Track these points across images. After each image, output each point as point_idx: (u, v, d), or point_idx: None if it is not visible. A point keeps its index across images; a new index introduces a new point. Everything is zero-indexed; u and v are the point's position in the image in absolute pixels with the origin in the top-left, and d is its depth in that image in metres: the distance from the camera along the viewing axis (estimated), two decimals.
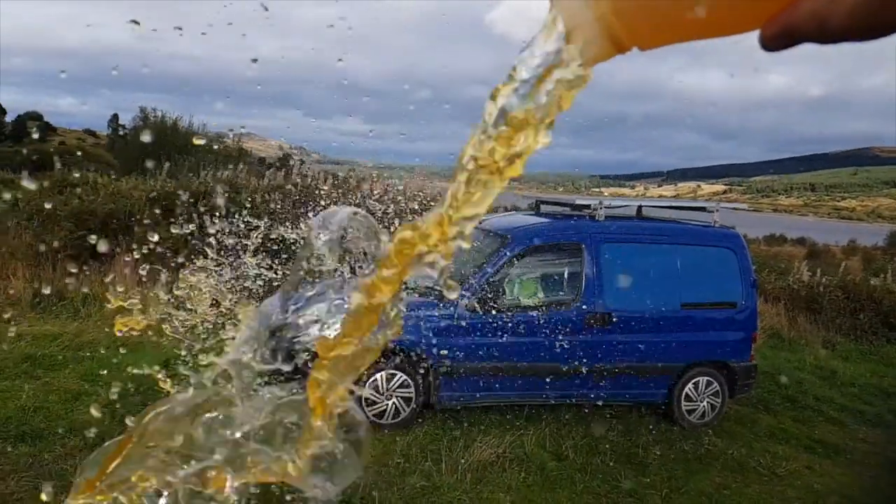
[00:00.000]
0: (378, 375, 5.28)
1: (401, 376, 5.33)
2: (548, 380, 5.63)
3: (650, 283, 6.04)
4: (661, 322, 5.95)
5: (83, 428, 4.50)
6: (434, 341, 5.40)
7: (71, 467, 3.93)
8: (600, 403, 5.89)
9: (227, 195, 9.40)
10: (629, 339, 5.83)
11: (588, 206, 6.36)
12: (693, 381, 5.99)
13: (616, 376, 5.80)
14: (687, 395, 5.97)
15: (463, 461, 4.58)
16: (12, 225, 8.45)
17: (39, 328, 6.76)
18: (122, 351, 6.41)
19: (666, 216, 6.98)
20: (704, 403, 6.00)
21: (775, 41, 0.38)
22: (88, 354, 6.17)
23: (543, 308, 5.80)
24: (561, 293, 5.92)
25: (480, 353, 5.50)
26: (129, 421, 0.62)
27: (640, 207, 6.89)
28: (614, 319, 5.77)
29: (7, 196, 9.98)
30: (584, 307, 5.76)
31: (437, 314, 5.51)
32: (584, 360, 5.69)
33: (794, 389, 7.32)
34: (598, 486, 4.44)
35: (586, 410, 5.85)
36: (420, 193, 11.05)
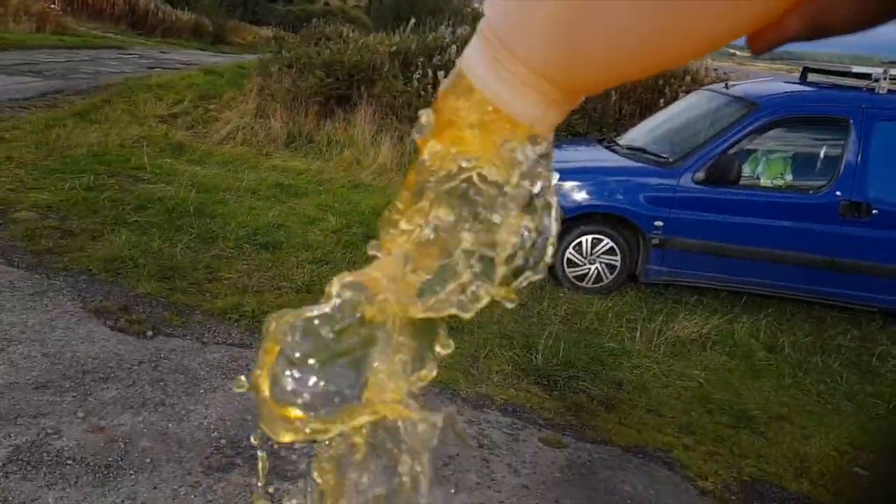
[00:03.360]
0: (583, 238, 5.12)
1: (607, 242, 5.11)
2: (778, 269, 5.01)
3: None
4: None
5: (314, 246, 5.07)
6: (649, 210, 5.04)
7: (300, 275, 4.47)
8: (838, 304, 5.14)
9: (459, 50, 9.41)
10: (891, 236, 4.90)
11: (868, 77, 5.25)
12: None
13: (866, 277, 4.96)
14: None
15: (660, 333, 4.35)
16: (275, 71, 9.41)
17: (289, 163, 7.62)
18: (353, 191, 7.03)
19: None
20: None
21: (765, 50, 0.34)
22: (325, 189, 6.84)
23: (787, 189, 5.08)
24: (812, 174, 5.10)
25: (701, 229, 5.03)
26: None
27: None
28: (874, 211, 4.86)
29: (273, 47, 11.13)
30: (838, 193, 4.92)
31: (656, 182, 5.10)
32: (828, 254, 4.94)
33: None
34: (810, 384, 3.94)
35: (818, 308, 5.16)
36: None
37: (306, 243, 5.15)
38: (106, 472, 2.34)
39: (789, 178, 5.13)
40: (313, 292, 4.28)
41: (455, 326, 3.92)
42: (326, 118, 9.11)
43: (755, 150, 5.16)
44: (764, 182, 5.12)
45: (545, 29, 0.32)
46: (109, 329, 3.38)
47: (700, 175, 4.98)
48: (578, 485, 2.70)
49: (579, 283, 5.15)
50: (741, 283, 5.12)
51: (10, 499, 2.15)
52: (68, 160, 6.06)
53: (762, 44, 0.33)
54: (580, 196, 5.10)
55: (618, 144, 5.85)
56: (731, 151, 4.99)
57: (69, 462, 2.36)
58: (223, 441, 2.63)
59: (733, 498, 2.81)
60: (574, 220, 5.09)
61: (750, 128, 5.00)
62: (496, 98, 0.35)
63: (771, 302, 5.15)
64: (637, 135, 6.05)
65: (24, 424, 2.52)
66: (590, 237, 5.13)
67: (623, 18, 0.30)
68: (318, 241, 5.22)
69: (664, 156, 5.29)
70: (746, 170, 5.12)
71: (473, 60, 0.36)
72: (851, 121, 4.95)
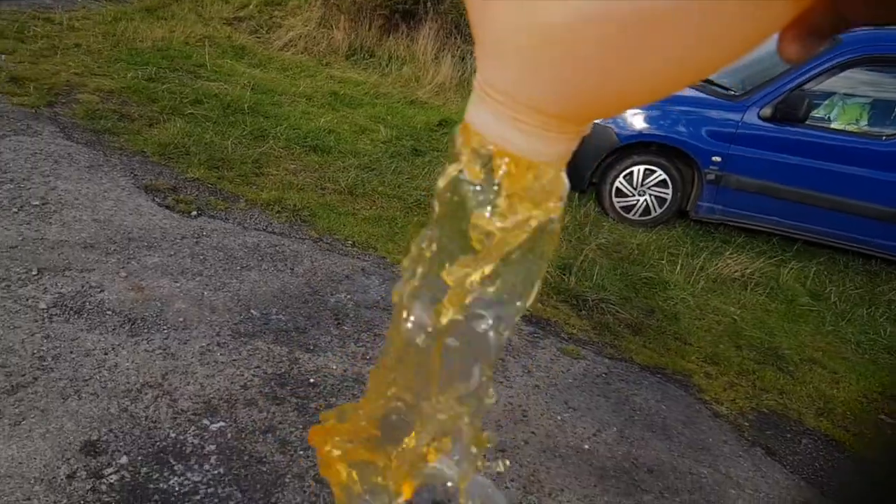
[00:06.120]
0: (635, 168, 4.98)
1: (660, 174, 4.97)
2: (837, 217, 4.79)
3: None
4: None
5: (361, 153, 5.11)
6: (709, 144, 4.85)
7: (344, 178, 4.53)
8: None
9: None
10: None
11: None
12: None
13: None
14: None
15: (701, 269, 4.25)
16: None
17: (348, 74, 7.61)
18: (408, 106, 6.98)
19: None
20: None
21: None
22: (381, 102, 6.82)
23: (857, 133, 4.80)
24: (887, 120, 4.80)
25: (760, 168, 4.83)
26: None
27: None
28: None
29: None
30: None
31: (719, 115, 4.89)
32: (894, 206, 4.69)
33: None
34: (851, 334, 3.81)
35: (874, 263, 4.94)
36: None
37: (355, 150, 5.19)
38: (141, 325, 2.48)
39: (864, 123, 4.84)
40: (355, 195, 4.34)
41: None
42: (389, 33, 8.98)
43: (833, 94, 4.87)
44: (833, 124, 4.85)
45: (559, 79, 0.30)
46: (157, 205, 3.52)
47: (766, 111, 4.75)
48: (590, 391, 2.72)
49: (626, 214, 5.05)
50: (796, 229, 4.93)
51: (52, 336, 2.31)
52: (133, 52, 6.19)
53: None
54: (638, 124, 4.93)
55: None
56: (802, 88, 4.71)
57: (108, 312, 2.51)
58: (254, 312, 2.75)
59: (746, 424, 2.79)
60: (628, 147, 4.95)
61: (828, 64, 4.69)
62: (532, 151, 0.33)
63: (824, 251, 4.96)
64: None
65: (70, 277, 2.68)
66: (642, 167, 4.99)
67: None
68: (367, 150, 5.25)
69: (731, 89, 5.04)
70: (820, 112, 4.84)
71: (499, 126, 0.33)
72: None
